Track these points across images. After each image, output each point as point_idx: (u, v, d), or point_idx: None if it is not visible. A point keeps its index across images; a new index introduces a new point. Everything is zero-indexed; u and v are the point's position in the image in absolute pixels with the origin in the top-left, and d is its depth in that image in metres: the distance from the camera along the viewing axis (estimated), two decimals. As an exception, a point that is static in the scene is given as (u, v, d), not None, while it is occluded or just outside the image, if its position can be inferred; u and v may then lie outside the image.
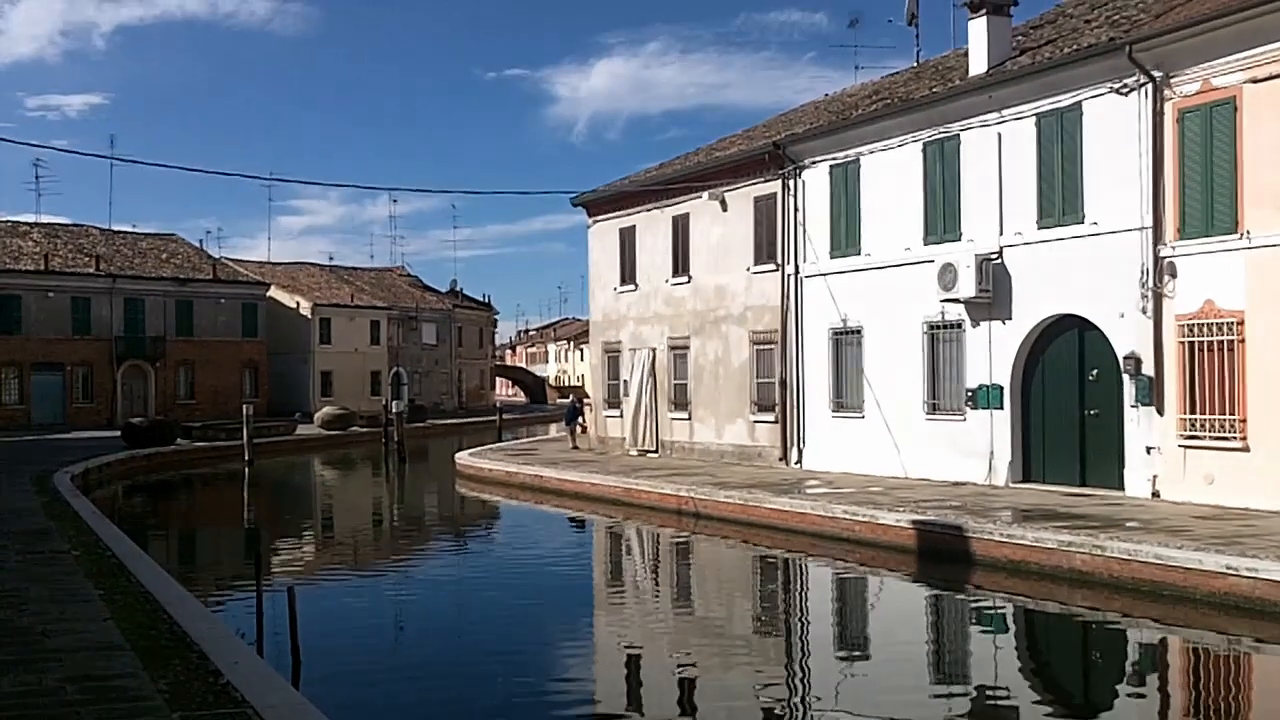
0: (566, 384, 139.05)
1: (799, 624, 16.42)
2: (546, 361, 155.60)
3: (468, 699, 11.91)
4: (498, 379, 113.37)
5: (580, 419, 40.66)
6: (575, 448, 37.99)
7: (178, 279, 69.92)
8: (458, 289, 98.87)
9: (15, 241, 66.84)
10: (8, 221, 69.90)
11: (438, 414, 75.82)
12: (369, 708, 11.45)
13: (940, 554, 18.46)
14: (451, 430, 67.35)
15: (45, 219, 72.43)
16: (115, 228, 74.54)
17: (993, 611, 16.22)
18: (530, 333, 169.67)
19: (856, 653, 14.33)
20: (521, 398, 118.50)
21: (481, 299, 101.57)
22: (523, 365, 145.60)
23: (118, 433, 49.44)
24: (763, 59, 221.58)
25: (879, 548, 19.48)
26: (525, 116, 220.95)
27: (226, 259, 77.80)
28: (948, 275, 24.83)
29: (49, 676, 8.82)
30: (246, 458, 42.12)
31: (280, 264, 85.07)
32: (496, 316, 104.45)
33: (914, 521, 19.00)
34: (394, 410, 46.52)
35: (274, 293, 75.75)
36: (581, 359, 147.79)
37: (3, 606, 11.73)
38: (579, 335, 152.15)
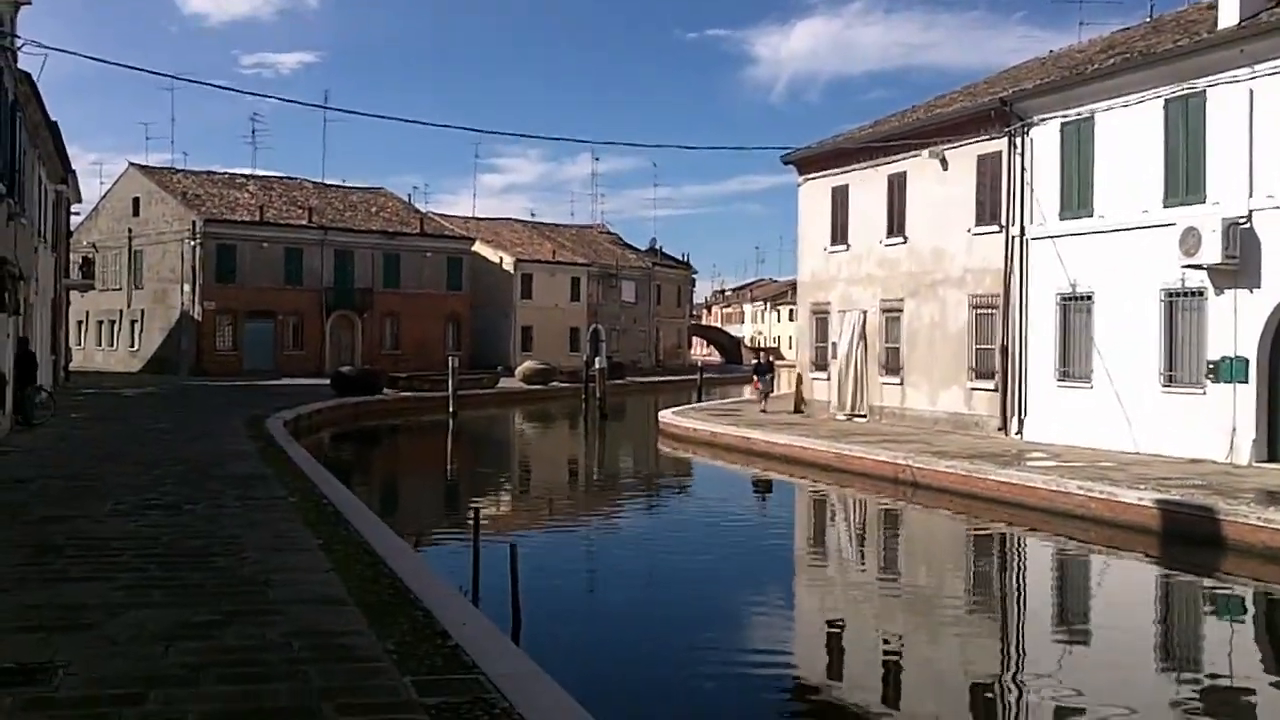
0: (763, 344, 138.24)
1: (1048, 606, 15.30)
2: (742, 322, 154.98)
3: (692, 678, 11.31)
4: (694, 338, 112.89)
5: (769, 376, 39.88)
6: (764, 410, 37.20)
7: (386, 232, 71.10)
8: (657, 247, 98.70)
9: (232, 193, 68.81)
10: (225, 173, 72.08)
11: (635, 371, 75.75)
12: (598, 679, 10.89)
13: (1186, 536, 17.18)
14: (649, 388, 67.24)
15: (260, 172, 74.55)
16: (327, 181, 76.21)
17: (1247, 599, 15.00)
18: (726, 293, 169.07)
19: (1116, 639, 13.28)
20: (717, 358, 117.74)
21: (680, 258, 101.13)
22: (718, 325, 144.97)
23: (325, 381, 50.52)
24: (971, 18, 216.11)
25: (1117, 527, 18.25)
26: (725, 77, 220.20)
27: (433, 214, 78.91)
28: (1190, 240, 23.27)
29: (273, 630, 8.49)
30: (451, 409, 42.49)
31: (484, 219, 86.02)
32: (694, 276, 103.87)
33: (1157, 500, 17.72)
34: (596, 367, 46.34)
35: (478, 247, 76.52)
36: (779, 320, 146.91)
37: (224, 554, 11.56)
38: (776, 296, 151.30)
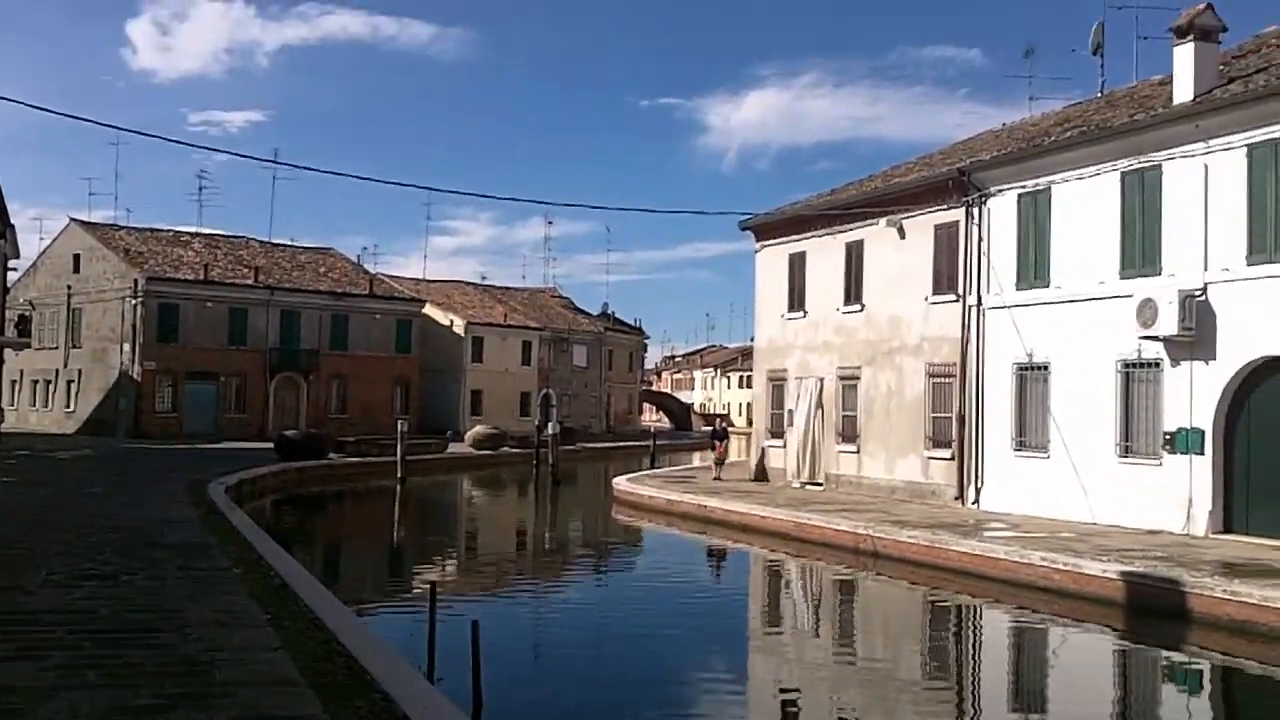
0: (712, 411, 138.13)
1: (1015, 681, 14.92)
2: (692, 388, 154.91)
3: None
4: (644, 404, 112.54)
5: (723, 444, 39.23)
6: (718, 478, 36.64)
7: (334, 293, 70.37)
8: (609, 312, 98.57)
9: (176, 251, 67.88)
10: (169, 231, 71.11)
11: (586, 437, 75.23)
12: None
13: (1150, 609, 16.94)
14: (600, 454, 66.72)
15: (206, 230, 73.57)
16: (274, 241, 75.48)
17: (1216, 674, 14.72)
18: (676, 358, 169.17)
19: (1089, 713, 12.91)
20: (666, 424, 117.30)
21: (632, 323, 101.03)
22: (668, 391, 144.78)
23: (268, 444, 49.62)
24: (916, 94, 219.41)
25: (1080, 599, 17.98)
26: (677, 145, 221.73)
27: (382, 275, 78.27)
28: (1147, 311, 23.26)
29: (220, 715, 7.94)
30: (399, 475, 41.79)
31: (434, 281, 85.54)
32: (646, 341, 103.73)
33: (1122, 573, 17.47)
34: (548, 432, 45.85)
35: (428, 310, 75.93)
36: (728, 386, 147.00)
37: (166, 629, 10.98)
38: (726, 363, 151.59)
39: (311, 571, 16.33)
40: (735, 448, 49.43)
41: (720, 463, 38.13)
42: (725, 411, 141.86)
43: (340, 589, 18.31)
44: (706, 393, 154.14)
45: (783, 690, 14.02)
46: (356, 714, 8.13)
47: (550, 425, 46.72)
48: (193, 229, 73.05)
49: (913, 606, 20.26)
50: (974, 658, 16.60)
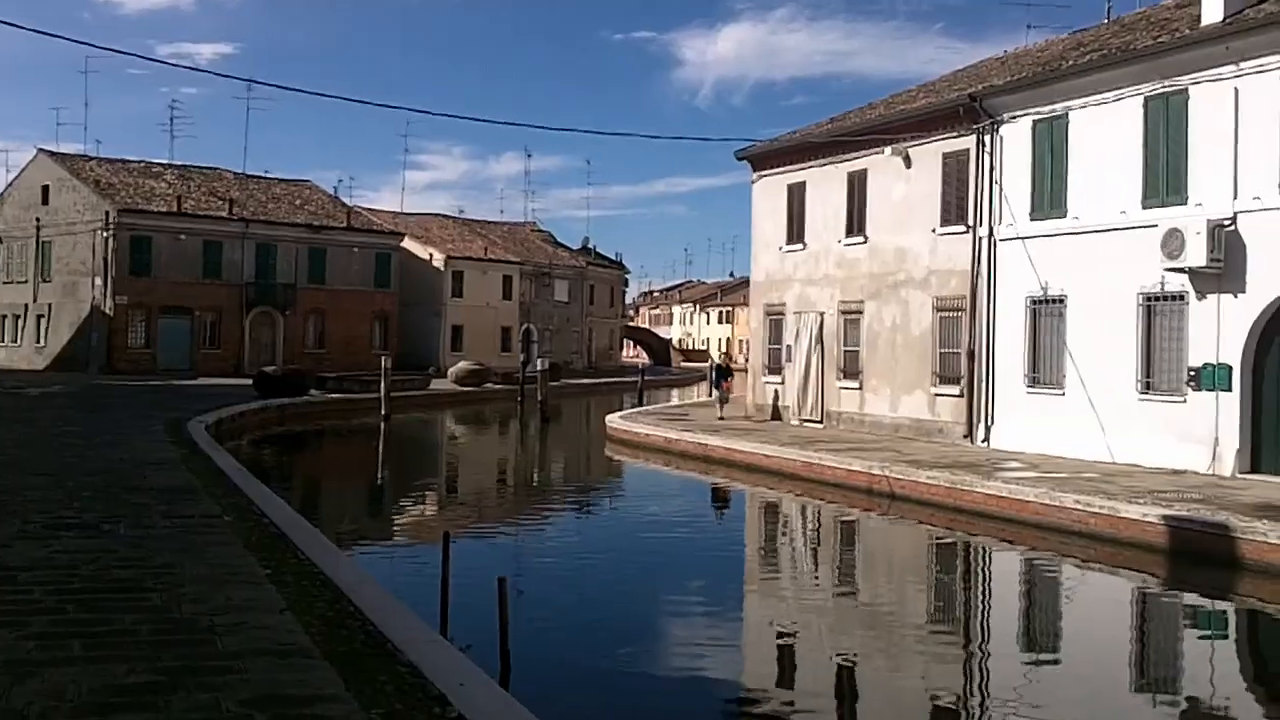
0: (692, 347, 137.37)
1: (1080, 638, 13.83)
2: (670, 324, 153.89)
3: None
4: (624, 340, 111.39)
5: (729, 381, 37.63)
6: (722, 417, 35.27)
7: (311, 226, 68.70)
8: (590, 246, 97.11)
9: (148, 182, 66.08)
10: (141, 162, 69.12)
11: (568, 373, 74.04)
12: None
13: (1196, 555, 16.04)
14: (584, 390, 65.73)
15: (179, 162, 71.69)
16: (249, 173, 73.60)
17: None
18: (655, 294, 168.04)
19: (1159, 674, 12.00)
20: (645, 359, 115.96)
21: (614, 258, 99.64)
22: (647, 327, 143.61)
23: (244, 380, 48.52)
24: (891, 28, 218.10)
25: (1118, 544, 17.07)
26: (651, 80, 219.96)
27: (359, 208, 76.62)
28: (1173, 242, 22.23)
29: (229, 697, 6.88)
30: (383, 412, 40.66)
31: (412, 215, 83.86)
32: (627, 276, 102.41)
33: (1164, 517, 16.53)
34: (537, 367, 44.74)
35: (407, 244, 74.32)
36: (708, 322, 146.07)
37: (158, 588, 9.88)
38: (705, 298, 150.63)
39: (304, 517, 15.24)
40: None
41: (724, 401, 36.69)
42: (705, 347, 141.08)
43: (335, 535, 17.28)
44: (685, 328, 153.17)
45: (838, 653, 13.02)
46: (384, 693, 7.10)
47: (539, 361, 45.59)
48: (165, 161, 71.19)
49: (942, 552, 19.24)
50: (1021, 608, 15.58)
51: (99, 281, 61.02)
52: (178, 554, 11.47)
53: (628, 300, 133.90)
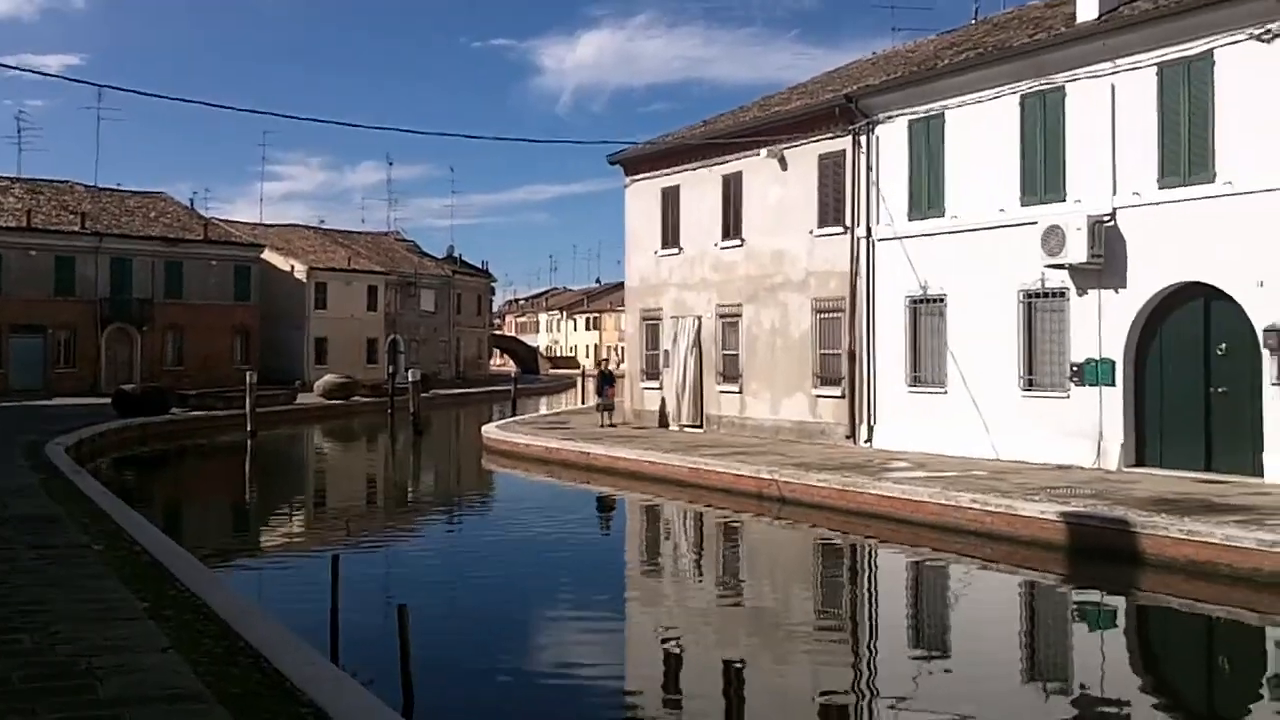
0: (560, 354, 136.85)
1: (989, 642, 13.42)
2: (537, 331, 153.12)
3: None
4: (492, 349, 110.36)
5: (612, 388, 36.65)
6: (611, 424, 34.76)
7: (167, 239, 66.59)
8: (456, 255, 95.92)
9: (-5, 197, 63.58)
10: (-12, 176, 66.53)
11: (436, 383, 72.88)
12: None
13: (1096, 551, 15.93)
14: (454, 401, 64.74)
15: (27, 176, 68.94)
16: (101, 185, 71.07)
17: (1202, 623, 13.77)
18: (520, 302, 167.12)
19: (1080, 673, 11.75)
20: (512, 368, 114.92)
21: (479, 265, 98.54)
22: (514, 335, 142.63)
23: (102, 399, 46.84)
24: (747, 34, 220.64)
25: (1016, 543, 16.91)
26: (511, 87, 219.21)
27: (217, 219, 74.53)
28: (1054, 239, 22.31)
29: (117, 753, 6.20)
30: (249, 428, 39.35)
31: (272, 226, 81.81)
32: (493, 284, 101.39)
33: (1063, 514, 16.42)
34: (409, 378, 43.77)
35: (267, 255, 72.35)
36: (575, 328, 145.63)
37: (29, 629, 9.06)
38: (571, 305, 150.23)
39: (175, 542, 14.36)
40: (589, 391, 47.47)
41: (609, 408, 35.95)
42: (572, 354, 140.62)
43: (211, 561, 16.40)
44: (552, 335, 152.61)
45: (738, 659, 12.56)
46: (292, 740, 6.46)
47: (410, 372, 44.63)
48: (12, 175, 68.36)
49: (836, 555, 18.95)
50: (921, 609, 15.31)
51: (-55, 300, 58.43)
52: (47, 588, 10.65)
53: (494, 308, 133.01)
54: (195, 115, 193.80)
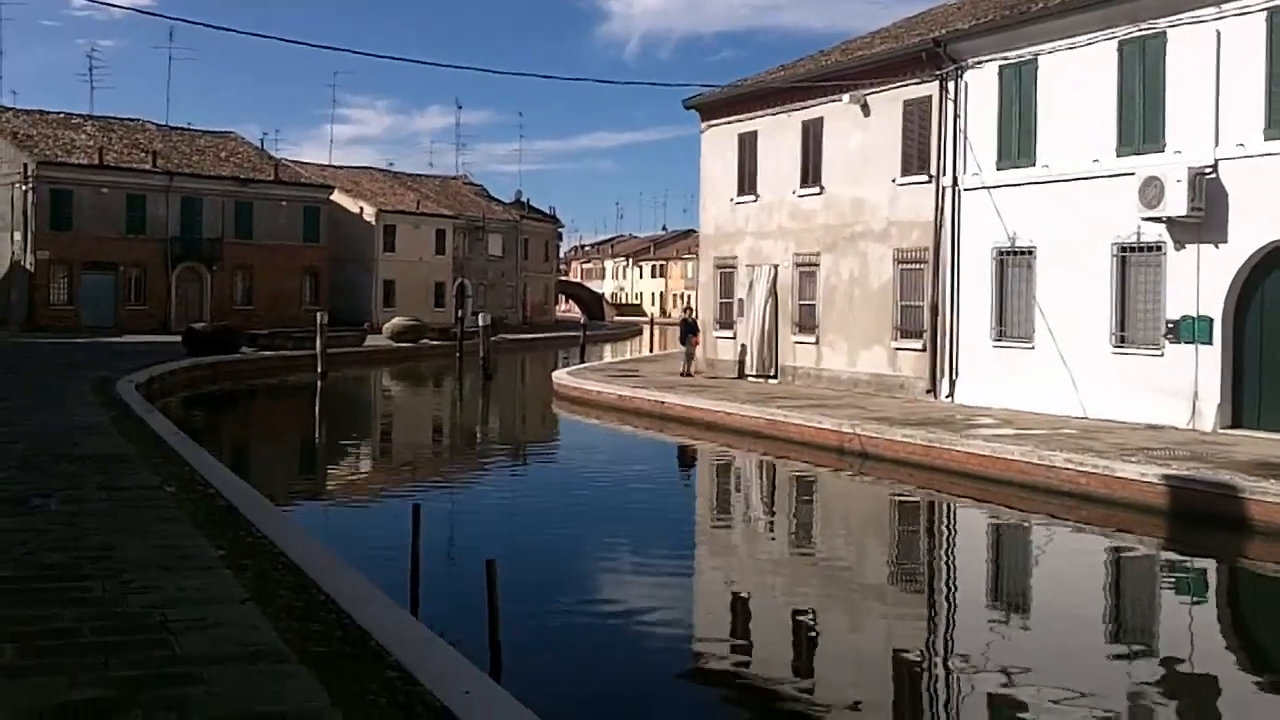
0: (625, 301, 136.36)
1: (1123, 613, 12.91)
2: (603, 278, 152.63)
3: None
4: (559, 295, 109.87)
5: (694, 338, 35.06)
6: (687, 373, 33.83)
7: (237, 179, 66.66)
8: (524, 199, 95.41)
9: (68, 134, 63.72)
10: (60, 113, 66.59)
11: (503, 328, 72.66)
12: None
13: (1199, 517, 15.25)
14: (521, 346, 64.40)
15: (99, 114, 69.13)
16: (172, 124, 71.22)
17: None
18: (586, 249, 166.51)
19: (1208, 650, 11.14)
20: (577, 314, 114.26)
21: (547, 211, 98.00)
22: (579, 281, 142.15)
23: (171, 337, 46.96)
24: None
25: (1112, 505, 16.25)
26: (579, 33, 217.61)
27: (287, 160, 74.44)
28: (1151, 190, 21.42)
29: (195, 718, 5.77)
30: (320, 369, 39.23)
31: (341, 168, 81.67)
32: (561, 230, 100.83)
33: (1164, 476, 15.71)
34: (479, 322, 43.43)
35: (336, 197, 72.25)
36: (640, 276, 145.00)
37: (98, 576, 8.68)
38: (637, 252, 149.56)
39: (251, 485, 14.02)
40: (665, 340, 46.97)
41: (691, 357, 34.66)
42: (638, 301, 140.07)
43: (286, 505, 16.11)
44: (618, 282, 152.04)
45: (851, 627, 12.05)
46: (376, 706, 6.01)
47: (480, 316, 44.28)
48: (85, 113, 68.57)
49: (932, 516, 18.27)
50: (1032, 574, 14.68)
51: (18, 236, 58.81)
52: (118, 533, 10.29)
53: (560, 255, 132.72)
54: (265, 57, 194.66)
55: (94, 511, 11.30)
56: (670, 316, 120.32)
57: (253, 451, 26.19)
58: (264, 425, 31.82)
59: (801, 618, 12.06)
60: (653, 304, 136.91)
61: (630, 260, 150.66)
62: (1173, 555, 14.95)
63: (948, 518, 17.96)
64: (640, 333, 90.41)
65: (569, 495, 19.66)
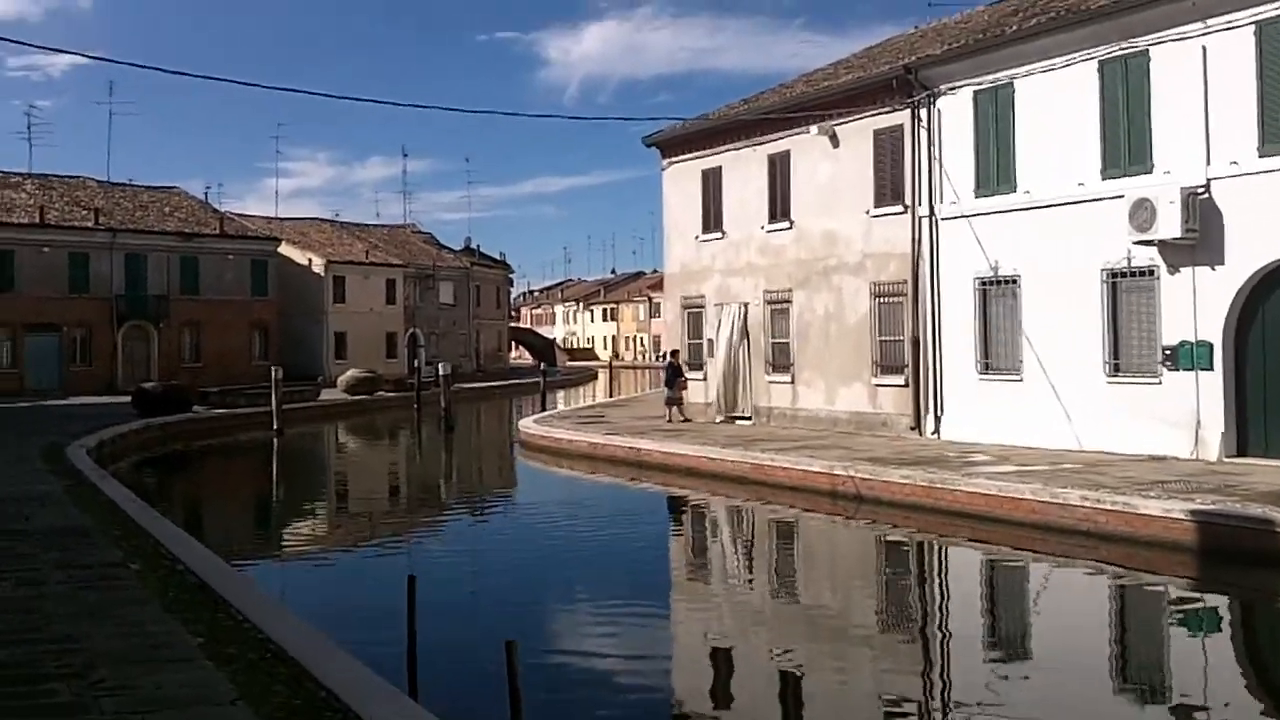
0: (576, 345, 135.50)
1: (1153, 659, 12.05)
2: (553, 323, 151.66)
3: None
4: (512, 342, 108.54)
5: (680, 382, 32.81)
6: (684, 419, 31.80)
7: (182, 234, 65.13)
8: (474, 246, 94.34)
9: (7, 193, 61.99)
10: (-1, 172, 65.08)
11: (457, 377, 71.19)
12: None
13: (1230, 553, 14.40)
14: (476, 395, 63.02)
15: (39, 171, 67.48)
16: (114, 180, 69.60)
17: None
18: (535, 294, 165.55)
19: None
20: (528, 360, 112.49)
21: (498, 256, 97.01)
22: (529, 327, 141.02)
23: (119, 398, 45.60)
24: (755, 24, 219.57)
25: (1136, 544, 15.37)
26: (518, 80, 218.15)
27: (232, 214, 73.01)
28: (1143, 213, 20.73)
29: None
30: (276, 426, 37.93)
31: (288, 219, 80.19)
32: (512, 276, 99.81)
33: (1193, 512, 14.88)
34: (439, 372, 42.34)
35: (284, 249, 70.74)
36: (591, 320, 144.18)
37: (64, 675, 7.60)
38: (587, 296, 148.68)
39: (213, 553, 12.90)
40: (623, 384, 45.87)
41: (677, 402, 32.48)
42: (590, 345, 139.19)
43: (258, 575, 15.00)
44: (569, 327, 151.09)
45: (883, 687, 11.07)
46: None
47: (440, 365, 43.19)
48: (24, 171, 66.95)
49: (945, 561, 17.28)
50: (1064, 624, 13.72)
51: (-43, 299, 57.11)
52: (81, 620, 9.23)
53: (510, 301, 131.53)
54: (206, 110, 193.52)
55: (55, 595, 10.21)
56: (622, 359, 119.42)
57: (215, 518, 24.81)
58: (224, 488, 30.40)
59: (847, 688, 11.06)
60: (605, 348, 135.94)
61: (581, 304, 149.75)
62: (1213, 595, 14.05)
63: (966, 565, 16.89)
64: (596, 377, 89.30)
65: (562, 555, 18.39)
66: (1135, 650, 12.11)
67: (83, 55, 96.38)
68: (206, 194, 76.84)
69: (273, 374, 39.40)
